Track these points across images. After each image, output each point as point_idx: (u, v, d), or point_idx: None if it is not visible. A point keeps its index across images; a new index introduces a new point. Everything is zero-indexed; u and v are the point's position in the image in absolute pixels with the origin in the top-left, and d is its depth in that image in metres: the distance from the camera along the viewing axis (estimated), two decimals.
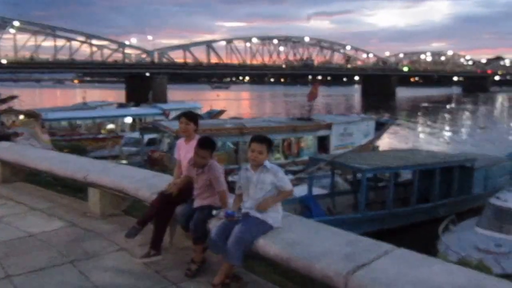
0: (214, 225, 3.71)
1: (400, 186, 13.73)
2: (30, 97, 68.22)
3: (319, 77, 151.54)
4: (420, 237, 11.15)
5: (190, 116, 4.51)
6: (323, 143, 19.34)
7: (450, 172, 13.08)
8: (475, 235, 9.95)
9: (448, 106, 77.30)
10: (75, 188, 7.16)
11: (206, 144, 4.04)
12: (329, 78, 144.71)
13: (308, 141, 19.33)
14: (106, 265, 4.27)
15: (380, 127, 22.59)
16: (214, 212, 3.67)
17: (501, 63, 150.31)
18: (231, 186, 4.10)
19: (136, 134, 21.97)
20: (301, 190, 12.26)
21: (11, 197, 6.75)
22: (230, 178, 7.38)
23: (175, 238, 4.56)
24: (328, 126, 19.27)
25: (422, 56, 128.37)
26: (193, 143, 4.42)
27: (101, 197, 5.70)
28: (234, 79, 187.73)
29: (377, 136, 22.33)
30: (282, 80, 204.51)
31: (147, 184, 5.03)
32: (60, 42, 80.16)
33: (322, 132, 18.95)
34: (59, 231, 5.25)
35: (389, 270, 2.71)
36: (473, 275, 2.71)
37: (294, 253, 3.13)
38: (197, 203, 4.06)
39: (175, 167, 4.68)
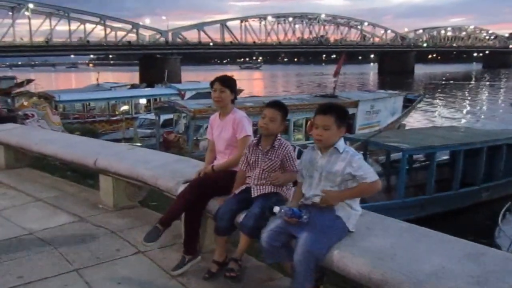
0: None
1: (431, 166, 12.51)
2: (46, 81, 68.29)
3: (333, 56, 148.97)
4: (465, 225, 10.13)
5: (226, 81, 3.43)
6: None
7: (495, 152, 11.85)
8: None
9: (471, 83, 74.78)
10: (86, 174, 6.31)
11: (277, 104, 3.06)
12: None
13: None
14: (119, 274, 3.37)
15: (408, 104, 21.25)
16: (275, 209, 2.67)
17: None
18: None
19: (151, 115, 21.07)
20: None
21: (13, 186, 5.92)
22: None
23: (205, 238, 3.61)
24: (354, 104, 17.99)
25: (442, 32, 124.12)
26: (231, 118, 3.40)
27: (114, 185, 4.80)
28: (247, 59, 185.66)
29: (405, 114, 21.00)
30: (295, 59, 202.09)
31: (169, 170, 4.09)
32: (74, 26, 79.59)
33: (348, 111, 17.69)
34: (64, 228, 4.38)
35: None
36: None
37: (390, 272, 2.13)
38: (255, 192, 3.05)
39: (207, 150, 3.69)
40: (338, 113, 2.64)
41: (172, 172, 4.00)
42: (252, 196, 3.03)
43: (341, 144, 2.65)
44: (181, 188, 3.51)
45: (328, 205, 2.59)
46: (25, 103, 12.61)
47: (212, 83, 3.47)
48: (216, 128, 3.50)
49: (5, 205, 5.13)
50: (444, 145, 11.16)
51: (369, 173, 2.59)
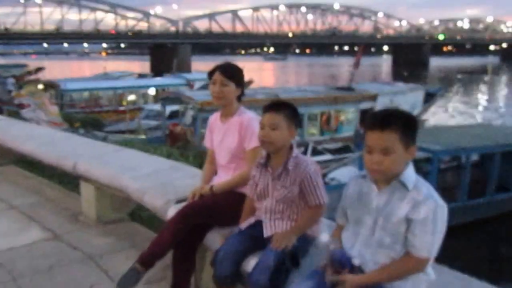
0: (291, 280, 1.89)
1: (463, 169, 11.45)
2: (58, 69, 68.07)
3: (346, 48, 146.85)
4: (502, 235, 9.19)
5: (229, 71, 2.52)
6: (364, 117, 17.12)
7: None
8: None
9: (490, 76, 72.65)
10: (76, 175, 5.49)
11: (276, 105, 2.14)
12: (356, 48, 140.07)
13: (349, 114, 17.09)
14: None
15: (429, 98, 20.11)
16: (324, 236, 1.79)
17: None
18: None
19: (158, 106, 20.29)
20: (347, 172, 10.28)
21: None
22: None
23: (203, 278, 2.75)
24: (373, 97, 16.96)
25: (459, 23, 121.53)
26: (236, 121, 2.49)
27: (97, 194, 3.97)
28: (258, 50, 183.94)
29: (425, 108, 19.86)
30: (307, 51, 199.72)
31: (159, 182, 3.24)
32: (84, 15, 79.39)
33: (365, 104, 16.60)
34: (32, 249, 3.55)
35: None
36: None
37: None
38: (269, 229, 2.17)
39: (205, 160, 2.79)
40: (404, 124, 1.60)
41: (163, 185, 3.14)
42: (265, 235, 2.15)
43: (410, 175, 1.64)
44: (172, 210, 2.66)
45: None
46: (22, 92, 11.87)
47: (210, 74, 2.54)
48: (217, 133, 2.61)
49: None
50: (479, 147, 10.02)
51: (427, 244, 1.59)
